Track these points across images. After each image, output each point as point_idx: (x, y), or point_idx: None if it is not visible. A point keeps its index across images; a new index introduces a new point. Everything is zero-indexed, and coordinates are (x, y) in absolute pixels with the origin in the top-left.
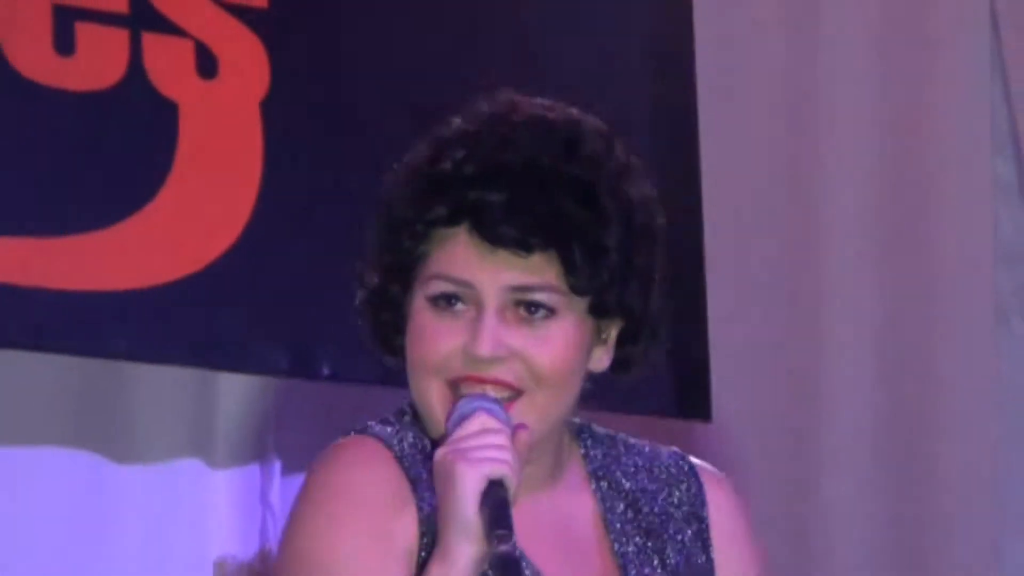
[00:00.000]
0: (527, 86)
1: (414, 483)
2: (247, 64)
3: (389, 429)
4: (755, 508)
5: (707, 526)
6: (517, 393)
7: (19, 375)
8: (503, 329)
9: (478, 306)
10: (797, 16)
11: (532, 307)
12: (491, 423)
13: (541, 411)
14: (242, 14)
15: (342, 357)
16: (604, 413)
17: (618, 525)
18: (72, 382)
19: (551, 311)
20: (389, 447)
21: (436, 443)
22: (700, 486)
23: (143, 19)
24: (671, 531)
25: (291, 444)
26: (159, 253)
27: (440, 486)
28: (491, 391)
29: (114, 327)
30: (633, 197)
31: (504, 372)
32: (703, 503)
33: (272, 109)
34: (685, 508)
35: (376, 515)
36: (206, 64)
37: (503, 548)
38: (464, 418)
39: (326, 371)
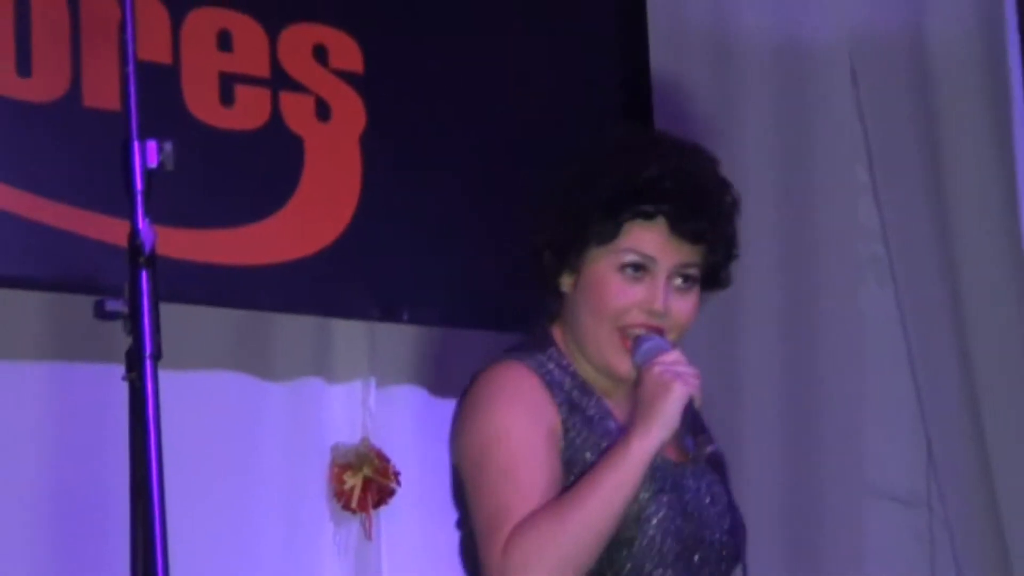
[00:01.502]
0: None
1: (552, 392)
2: (350, 111)
3: (527, 357)
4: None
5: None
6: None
7: (197, 321)
8: (668, 293)
9: (654, 275)
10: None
11: (685, 279)
12: (683, 359)
13: None
14: (346, 77)
15: (416, 307)
16: None
17: None
18: (231, 324)
19: (694, 282)
20: (531, 369)
21: (570, 365)
22: None
23: (280, 82)
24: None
25: (382, 366)
26: (290, 239)
27: (652, 390)
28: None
29: (262, 288)
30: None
31: (662, 322)
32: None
33: (367, 142)
34: None
35: (532, 406)
36: (322, 111)
37: (712, 448)
38: (661, 350)
39: (405, 317)
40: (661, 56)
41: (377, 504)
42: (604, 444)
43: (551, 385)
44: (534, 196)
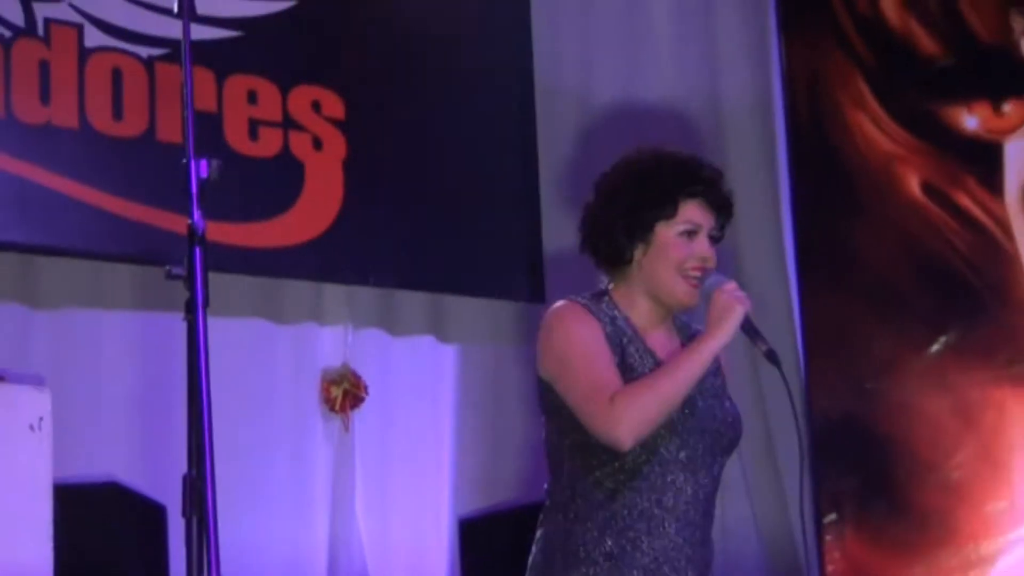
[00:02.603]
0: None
1: (599, 320)
2: (335, 144)
3: (579, 299)
4: None
5: None
6: None
7: (232, 284)
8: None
9: (700, 236)
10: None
11: (713, 239)
12: (738, 287)
13: None
14: (333, 122)
15: (379, 275)
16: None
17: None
18: (255, 286)
19: (715, 240)
20: (580, 305)
21: (620, 311)
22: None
23: (290, 124)
24: None
25: (357, 315)
26: (294, 230)
27: (721, 308)
28: (712, 272)
29: (275, 262)
30: None
31: (707, 265)
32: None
33: (348, 166)
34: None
35: (587, 322)
36: (317, 145)
37: (768, 347)
38: (722, 281)
39: (372, 280)
40: (544, 107)
41: (352, 407)
42: (638, 361)
43: (599, 320)
44: (593, 205)
